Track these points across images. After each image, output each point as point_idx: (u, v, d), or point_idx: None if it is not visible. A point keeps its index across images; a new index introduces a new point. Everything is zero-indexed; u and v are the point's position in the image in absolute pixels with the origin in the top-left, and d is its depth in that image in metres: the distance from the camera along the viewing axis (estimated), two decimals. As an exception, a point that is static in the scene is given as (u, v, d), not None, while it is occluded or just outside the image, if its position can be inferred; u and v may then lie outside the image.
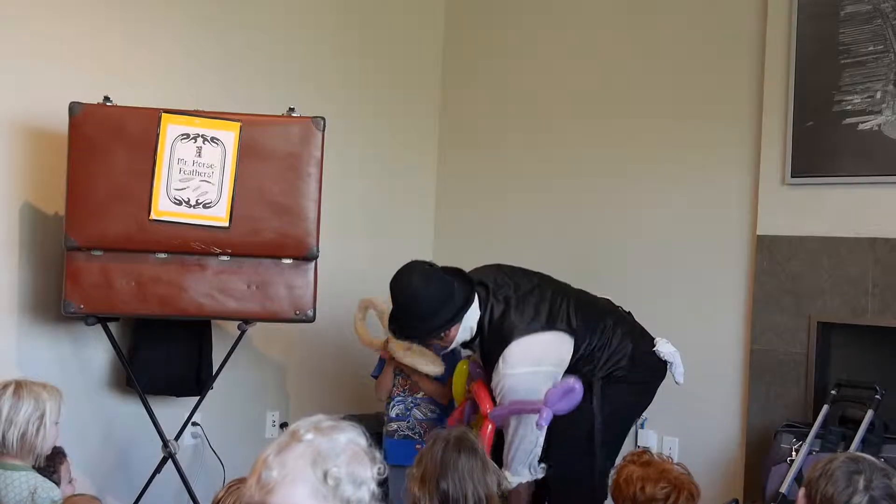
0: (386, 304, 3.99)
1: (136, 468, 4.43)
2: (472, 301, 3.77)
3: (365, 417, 4.98)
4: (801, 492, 2.54)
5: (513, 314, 3.72)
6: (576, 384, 3.51)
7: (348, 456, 1.89)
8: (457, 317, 3.74)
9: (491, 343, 3.75)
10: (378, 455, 1.97)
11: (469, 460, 2.76)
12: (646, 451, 2.93)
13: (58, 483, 3.28)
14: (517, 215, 5.31)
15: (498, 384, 3.69)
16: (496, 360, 3.69)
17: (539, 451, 3.71)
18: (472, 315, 3.77)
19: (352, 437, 1.92)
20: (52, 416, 3.07)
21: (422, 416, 4.21)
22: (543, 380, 3.66)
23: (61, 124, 4.00)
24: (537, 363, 3.69)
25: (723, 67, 4.67)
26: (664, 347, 3.82)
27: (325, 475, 1.87)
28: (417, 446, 4.13)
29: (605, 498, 3.71)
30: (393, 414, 4.23)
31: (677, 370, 3.82)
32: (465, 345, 3.88)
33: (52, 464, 3.34)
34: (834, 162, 4.25)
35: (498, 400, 3.70)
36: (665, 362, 3.82)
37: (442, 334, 3.77)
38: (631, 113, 4.93)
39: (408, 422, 4.20)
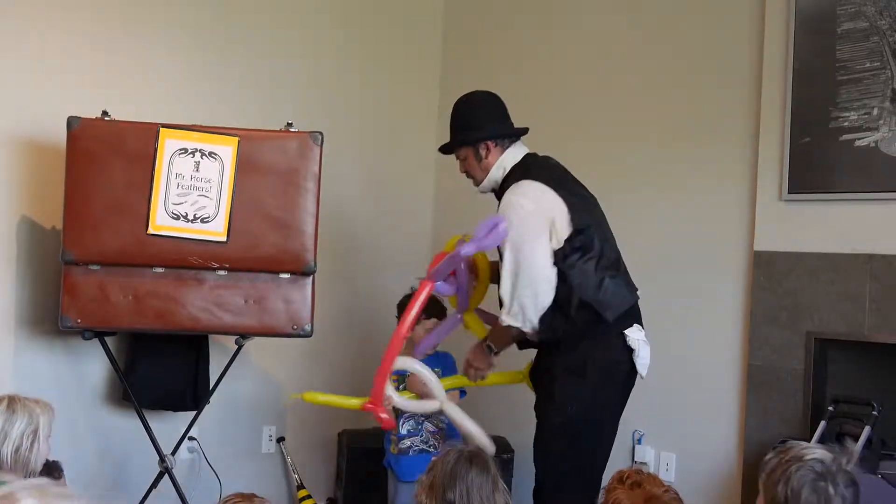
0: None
1: (132, 482, 4.43)
2: (519, 139, 3.84)
3: (361, 433, 5.00)
4: None
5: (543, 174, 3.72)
6: (502, 221, 3.48)
7: None
8: (503, 135, 3.80)
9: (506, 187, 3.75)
10: None
11: (479, 475, 2.75)
12: (637, 470, 2.89)
13: None
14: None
15: (502, 206, 3.67)
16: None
17: (545, 299, 3.59)
18: (515, 153, 3.81)
19: None
20: (44, 432, 3.06)
21: (434, 428, 4.21)
22: (532, 223, 3.61)
23: (59, 138, 4.01)
24: (541, 203, 3.63)
25: (720, 83, 4.68)
26: (633, 333, 3.69)
27: None
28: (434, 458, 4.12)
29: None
30: (404, 431, 4.22)
31: (640, 361, 3.68)
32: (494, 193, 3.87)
33: (56, 480, 3.35)
34: (831, 178, 4.25)
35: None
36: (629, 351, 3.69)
37: (482, 152, 3.79)
38: (628, 128, 4.94)
39: (421, 436, 4.21)
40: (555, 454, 3.69)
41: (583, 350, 3.64)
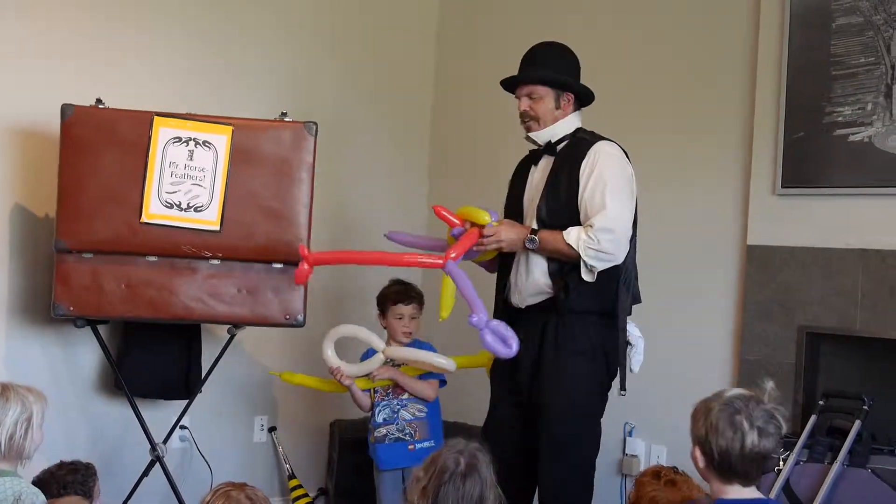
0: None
1: (123, 471, 4.43)
2: (585, 105, 3.85)
3: (351, 423, 5.00)
4: (697, 450, 2.61)
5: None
6: (514, 341, 3.41)
7: None
8: (588, 98, 3.83)
9: (568, 151, 3.73)
10: None
11: (474, 486, 2.74)
12: (673, 468, 2.93)
13: (91, 501, 3.29)
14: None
15: (591, 168, 3.63)
16: (577, 160, 3.66)
17: (621, 253, 3.58)
18: (579, 118, 3.83)
19: None
20: (38, 420, 3.06)
21: (410, 417, 4.21)
22: (630, 180, 3.69)
23: (53, 126, 4.01)
24: (632, 175, 3.73)
25: (714, 78, 4.68)
26: (632, 329, 3.72)
27: None
28: (410, 447, 4.15)
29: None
30: (380, 419, 4.23)
31: (636, 357, 3.72)
32: (537, 153, 3.83)
33: (88, 488, 3.35)
34: (824, 173, 4.26)
35: (586, 186, 3.61)
36: (625, 345, 3.72)
37: (562, 101, 3.77)
38: (622, 122, 4.92)
39: (396, 424, 4.21)
40: (574, 437, 3.66)
41: (590, 335, 3.65)
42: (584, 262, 3.54)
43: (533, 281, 3.71)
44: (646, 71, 4.92)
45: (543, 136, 3.79)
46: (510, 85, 3.87)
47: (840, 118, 4.22)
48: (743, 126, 4.54)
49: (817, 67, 4.28)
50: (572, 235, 3.56)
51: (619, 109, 4.96)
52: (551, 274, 3.66)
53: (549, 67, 3.79)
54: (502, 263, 3.88)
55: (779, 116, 4.37)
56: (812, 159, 4.29)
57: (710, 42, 4.71)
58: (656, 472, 2.88)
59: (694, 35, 4.77)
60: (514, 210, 3.86)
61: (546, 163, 3.79)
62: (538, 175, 3.81)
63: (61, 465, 3.41)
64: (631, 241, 3.67)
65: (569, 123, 3.78)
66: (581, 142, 3.72)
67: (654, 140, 4.83)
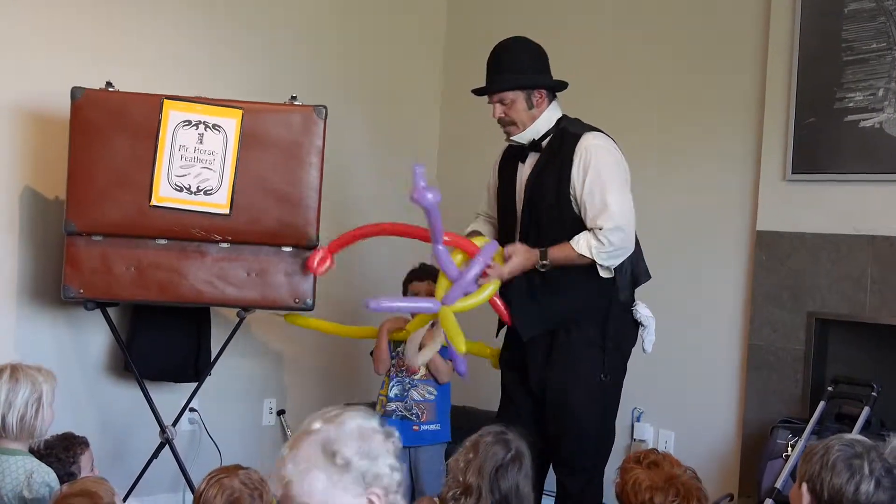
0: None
1: (133, 453, 4.45)
2: (558, 94, 3.79)
3: (361, 406, 5.01)
4: (804, 487, 2.50)
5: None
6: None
7: (357, 437, 1.94)
8: (559, 87, 3.76)
9: (554, 147, 3.70)
10: (393, 431, 2.01)
11: (518, 473, 2.81)
12: (653, 450, 2.92)
13: (78, 472, 3.28)
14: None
15: (585, 167, 3.59)
16: (566, 159, 3.63)
17: (631, 244, 3.63)
18: (558, 109, 3.77)
19: (359, 422, 1.96)
20: (48, 399, 3.08)
21: (419, 398, 4.23)
22: (623, 170, 3.66)
23: (63, 109, 4.01)
24: (619, 151, 3.69)
25: (725, 63, 4.67)
26: (643, 310, 3.75)
27: (335, 456, 1.91)
28: (415, 427, 4.17)
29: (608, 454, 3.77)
30: (392, 394, 4.26)
31: (648, 337, 3.74)
32: (520, 150, 3.79)
33: (72, 454, 3.34)
34: (835, 159, 4.25)
35: (583, 186, 3.59)
36: (637, 326, 3.76)
37: (534, 99, 3.70)
38: (631, 107, 4.92)
39: (405, 402, 4.23)
40: (589, 424, 3.71)
41: (599, 323, 3.67)
42: (599, 265, 3.60)
43: None
44: (656, 57, 4.90)
45: (526, 136, 3.76)
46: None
47: (851, 104, 4.20)
48: (754, 112, 4.53)
49: (829, 53, 4.27)
50: (582, 244, 3.58)
51: (629, 96, 4.96)
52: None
53: (514, 70, 3.74)
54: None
55: (790, 102, 4.36)
56: (823, 145, 4.28)
57: (721, 28, 4.69)
58: (637, 458, 2.88)
59: (705, 21, 4.75)
60: (508, 210, 3.86)
61: (532, 160, 3.77)
62: (526, 172, 3.78)
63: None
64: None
65: (548, 117, 3.75)
66: (566, 136, 3.69)
67: (665, 126, 4.83)
